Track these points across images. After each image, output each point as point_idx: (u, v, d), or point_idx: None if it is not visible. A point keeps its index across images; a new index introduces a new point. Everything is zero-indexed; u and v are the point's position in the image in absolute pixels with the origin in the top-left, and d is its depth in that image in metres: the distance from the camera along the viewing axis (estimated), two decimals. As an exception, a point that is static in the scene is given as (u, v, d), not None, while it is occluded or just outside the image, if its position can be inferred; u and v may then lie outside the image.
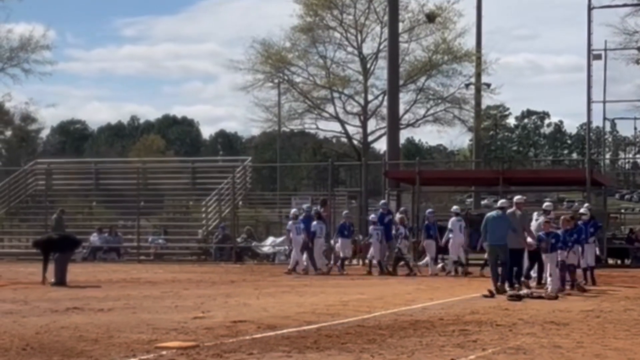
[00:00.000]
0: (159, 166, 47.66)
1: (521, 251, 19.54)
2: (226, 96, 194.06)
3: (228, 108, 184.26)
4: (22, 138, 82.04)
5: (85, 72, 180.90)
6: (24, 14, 77.03)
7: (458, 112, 47.99)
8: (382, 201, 29.85)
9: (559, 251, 19.21)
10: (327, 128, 50.89)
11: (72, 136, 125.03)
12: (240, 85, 48.09)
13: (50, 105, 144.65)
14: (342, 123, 48.73)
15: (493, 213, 20.05)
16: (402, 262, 26.27)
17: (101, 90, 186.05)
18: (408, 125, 47.83)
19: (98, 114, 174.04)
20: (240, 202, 37.17)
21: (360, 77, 47.31)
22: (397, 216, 27.24)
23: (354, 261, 29.99)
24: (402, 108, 43.45)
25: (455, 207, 29.42)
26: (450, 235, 25.71)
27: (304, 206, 29.80)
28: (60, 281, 20.94)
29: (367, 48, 47.16)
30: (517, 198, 20.28)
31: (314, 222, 26.97)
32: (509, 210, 19.78)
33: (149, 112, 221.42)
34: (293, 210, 28.83)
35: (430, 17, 45.60)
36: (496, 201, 35.65)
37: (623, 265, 31.48)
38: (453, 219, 26.20)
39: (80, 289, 19.99)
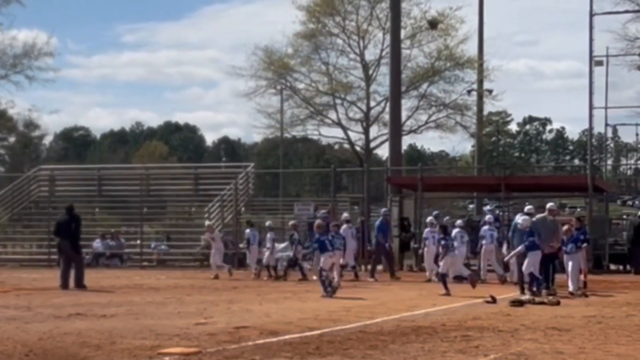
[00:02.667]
0: (161, 172, 47.56)
1: (549, 255, 20.08)
2: (227, 102, 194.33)
3: (229, 114, 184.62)
4: (25, 144, 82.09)
5: (86, 78, 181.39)
6: (25, 21, 77.66)
7: (460, 118, 47.91)
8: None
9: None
10: (330, 134, 50.85)
11: (75, 143, 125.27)
12: (242, 92, 48.09)
13: (53, 111, 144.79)
14: (345, 129, 48.68)
15: (520, 219, 20.50)
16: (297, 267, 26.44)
17: (102, 97, 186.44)
18: (410, 131, 47.78)
19: (100, 120, 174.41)
20: (243, 208, 37.16)
21: (363, 84, 47.27)
22: (290, 222, 27.58)
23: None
24: (404, 114, 43.40)
25: (459, 220, 29.07)
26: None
27: (320, 213, 29.91)
28: (78, 284, 21.27)
29: (370, 54, 47.15)
30: (549, 205, 21.40)
31: (247, 230, 27.60)
32: (539, 216, 20.71)
33: (151, 119, 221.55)
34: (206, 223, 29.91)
35: (433, 24, 45.56)
36: (498, 207, 35.83)
37: (625, 271, 31.48)
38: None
39: (83, 294, 20.06)
